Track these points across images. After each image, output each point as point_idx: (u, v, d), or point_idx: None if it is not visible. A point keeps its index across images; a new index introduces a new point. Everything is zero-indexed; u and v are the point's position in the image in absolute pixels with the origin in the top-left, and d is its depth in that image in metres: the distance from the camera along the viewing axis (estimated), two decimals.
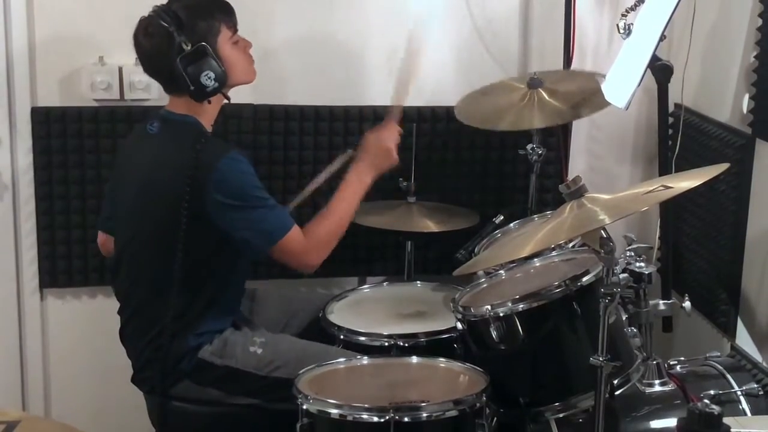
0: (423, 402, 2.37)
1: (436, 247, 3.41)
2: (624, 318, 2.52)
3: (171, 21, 2.64)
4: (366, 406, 2.36)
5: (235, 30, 2.78)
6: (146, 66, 2.74)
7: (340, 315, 2.97)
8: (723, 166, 2.33)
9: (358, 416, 2.36)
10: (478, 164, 3.47)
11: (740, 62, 2.97)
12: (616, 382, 2.37)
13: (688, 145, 3.16)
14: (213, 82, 2.67)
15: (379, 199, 3.32)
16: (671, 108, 3.04)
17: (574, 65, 3.33)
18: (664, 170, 2.92)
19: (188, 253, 2.66)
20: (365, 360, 2.64)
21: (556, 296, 2.43)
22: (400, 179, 3.31)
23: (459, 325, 2.59)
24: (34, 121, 3.23)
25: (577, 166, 3.46)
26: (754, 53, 2.88)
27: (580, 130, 3.50)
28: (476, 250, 3.03)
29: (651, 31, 2.70)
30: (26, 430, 2.08)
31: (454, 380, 2.55)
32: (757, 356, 2.88)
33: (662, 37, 2.67)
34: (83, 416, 3.38)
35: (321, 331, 2.91)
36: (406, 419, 2.33)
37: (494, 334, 2.46)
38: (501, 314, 2.46)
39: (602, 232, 2.20)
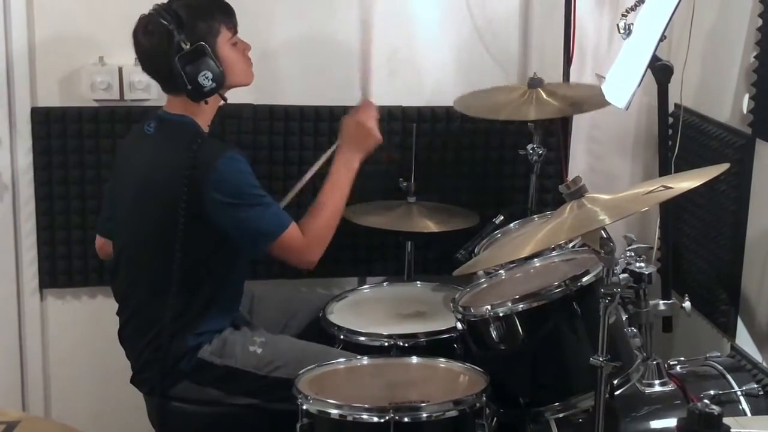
0: (423, 402, 2.37)
1: (436, 247, 3.41)
2: (624, 318, 2.52)
3: (171, 19, 2.64)
4: (366, 406, 2.36)
5: (234, 31, 2.78)
6: (145, 64, 2.75)
7: (340, 315, 2.97)
8: (723, 167, 2.33)
9: (358, 416, 2.36)
10: (478, 164, 3.48)
11: (740, 62, 2.97)
12: (616, 382, 2.37)
13: (688, 145, 3.16)
14: (210, 82, 2.67)
15: (379, 199, 3.33)
16: (671, 108, 3.04)
17: (574, 65, 3.33)
18: (664, 170, 2.92)
19: (186, 253, 2.66)
20: (365, 360, 2.64)
21: (556, 296, 2.43)
22: (400, 179, 3.31)
23: (459, 325, 2.59)
24: (34, 122, 3.23)
25: (577, 166, 3.46)
26: (754, 53, 2.88)
27: (580, 130, 3.50)
28: (476, 250, 3.03)
29: (651, 31, 2.70)
30: (26, 431, 2.08)
31: (454, 380, 2.55)
32: (757, 356, 2.88)
33: (662, 38, 2.67)
34: (83, 416, 3.38)
35: (321, 332, 2.91)
36: (406, 419, 2.33)
37: (494, 334, 2.46)
38: (501, 314, 2.46)
39: (602, 232, 2.20)
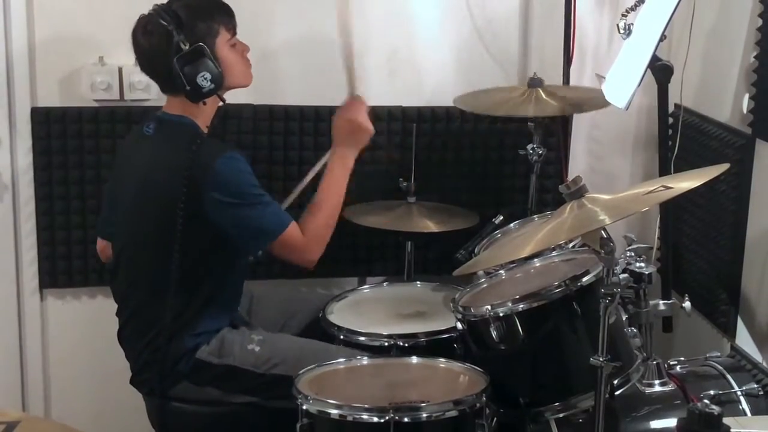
0: (423, 402, 2.37)
1: (436, 247, 3.41)
2: (624, 318, 2.52)
3: (170, 20, 2.64)
4: (366, 406, 2.36)
5: (234, 33, 2.78)
6: (143, 64, 2.75)
7: (340, 315, 2.97)
8: (723, 167, 2.33)
9: (358, 416, 2.36)
10: (478, 164, 3.48)
11: (740, 62, 2.97)
12: (616, 382, 2.37)
13: (688, 145, 3.16)
14: (209, 83, 2.67)
15: (379, 199, 3.32)
16: (671, 108, 3.04)
17: (574, 66, 3.33)
18: (664, 170, 2.92)
19: (185, 254, 2.66)
20: (365, 360, 2.64)
21: (556, 296, 2.42)
22: (400, 179, 3.31)
23: (459, 325, 2.59)
24: (34, 122, 3.23)
25: (577, 166, 3.46)
26: (754, 53, 2.88)
27: (580, 130, 3.50)
28: (476, 250, 3.03)
29: (651, 31, 2.70)
30: (26, 431, 2.08)
31: (454, 380, 2.55)
32: (757, 356, 2.88)
33: (662, 38, 2.67)
34: (83, 417, 3.38)
35: (321, 332, 2.91)
36: (406, 419, 2.33)
37: (494, 334, 2.46)
38: (501, 314, 2.46)
39: (602, 232, 2.20)
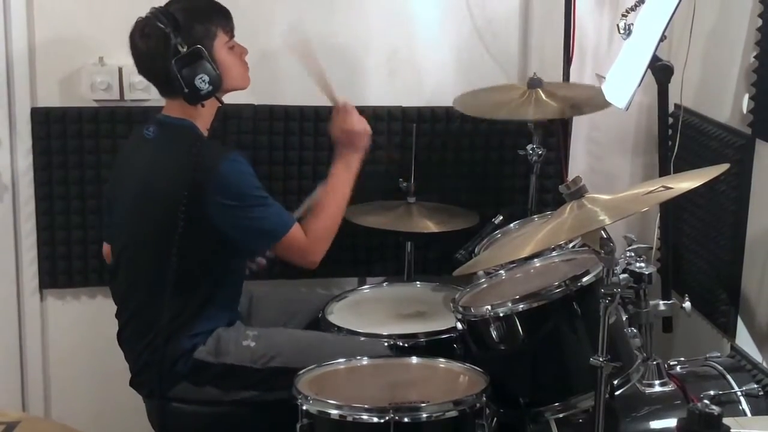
0: (423, 402, 2.37)
1: (436, 247, 3.41)
2: (624, 318, 2.52)
3: (168, 23, 2.64)
4: (366, 406, 2.36)
5: (231, 35, 2.78)
6: (141, 67, 2.74)
7: (339, 315, 2.97)
8: (723, 167, 2.33)
9: (358, 417, 2.36)
10: (478, 164, 3.47)
11: (740, 62, 2.97)
12: (616, 382, 2.37)
13: (688, 145, 3.16)
14: (207, 85, 2.67)
15: (379, 199, 3.32)
16: (671, 108, 3.04)
17: (574, 66, 3.33)
18: (664, 171, 2.92)
19: (185, 255, 2.65)
20: (365, 360, 2.64)
21: (556, 296, 2.42)
22: (400, 179, 3.31)
23: (459, 326, 2.59)
24: (34, 122, 3.23)
25: (577, 166, 3.46)
26: (754, 53, 2.88)
27: (580, 130, 3.50)
28: (476, 250, 3.03)
29: (651, 31, 2.70)
30: (26, 431, 2.08)
31: (453, 380, 2.55)
32: (757, 356, 2.88)
33: (662, 38, 2.67)
34: (83, 417, 3.38)
35: (321, 332, 2.91)
36: (406, 420, 2.33)
37: (494, 334, 2.46)
38: (501, 314, 2.46)
39: (602, 232, 2.20)
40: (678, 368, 2.77)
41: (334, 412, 2.37)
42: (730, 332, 3.01)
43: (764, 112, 2.85)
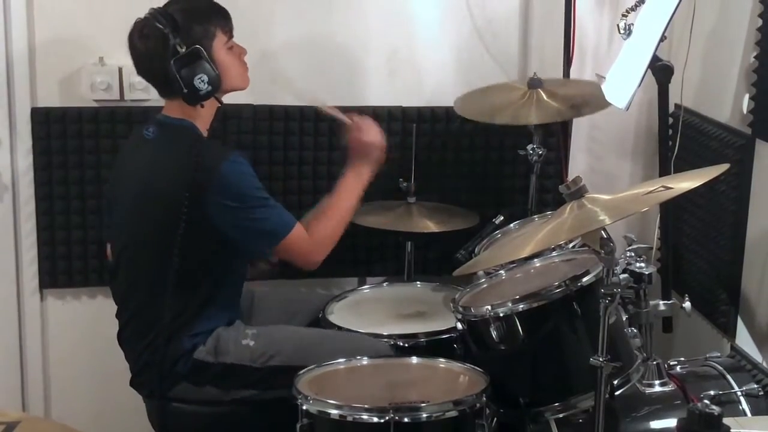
0: (423, 402, 2.37)
1: (436, 247, 3.41)
2: (624, 318, 2.52)
3: (167, 23, 2.64)
4: (366, 406, 2.36)
5: (230, 36, 2.78)
6: (140, 68, 2.74)
7: (339, 315, 2.97)
8: (723, 167, 2.33)
9: (358, 417, 2.36)
10: (478, 164, 3.47)
11: (740, 62, 2.97)
12: (616, 382, 2.37)
13: (688, 145, 3.16)
14: (206, 85, 2.66)
15: (379, 199, 3.32)
16: (671, 108, 3.04)
17: (574, 66, 3.33)
18: (664, 171, 2.92)
19: (185, 256, 2.65)
20: (365, 360, 2.64)
21: (556, 296, 2.42)
22: (400, 179, 3.31)
23: (459, 326, 2.59)
24: (34, 122, 3.23)
25: (577, 166, 3.46)
26: (754, 53, 2.88)
27: (580, 130, 3.50)
28: (476, 250, 3.03)
29: (651, 31, 2.70)
30: (26, 431, 2.08)
31: (454, 380, 2.55)
32: (757, 356, 2.88)
33: (662, 38, 2.67)
34: (83, 417, 3.38)
35: None
36: (406, 420, 2.33)
37: (494, 334, 2.46)
38: (501, 314, 2.46)
39: (602, 232, 2.20)
40: (678, 368, 2.77)
41: (334, 412, 2.37)
42: (730, 332, 3.01)
43: (764, 112, 2.85)
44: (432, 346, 2.79)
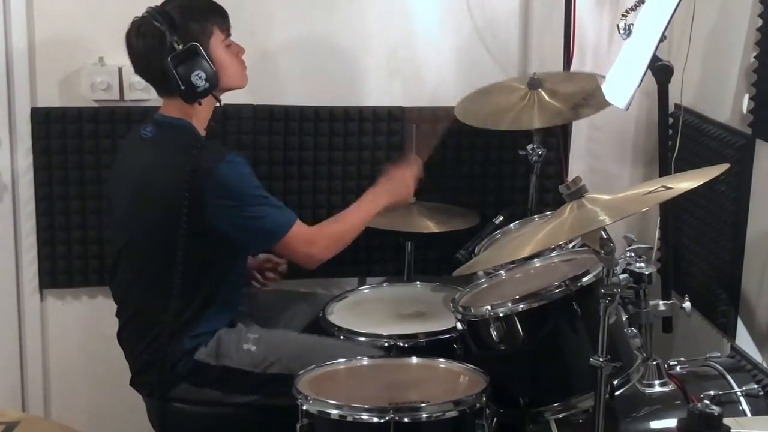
0: (423, 402, 2.37)
1: (436, 247, 3.41)
2: (624, 318, 2.52)
3: (163, 21, 2.64)
4: (366, 406, 2.36)
5: (228, 34, 2.78)
6: (138, 66, 2.74)
7: (339, 315, 2.97)
8: (723, 167, 2.33)
9: (358, 417, 2.35)
10: (478, 165, 3.47)
11: (740, 62, 2.97)
12: (616, 382, 2.37)
13: (688, 145, 3.16)
14: (204, 82, 2.66)
15: None
16: (671, 108, 3.04)
17: (574, 66, 3.33)
18: (664, 171, 2.92)
19: (185, 257, 2.65)
20: (365, 360, 2.64)
21: (556, 297, 2.42)
22: None
23: (459, 326, 2.59)
24: (34, 122, 3.23)
25: (577, 166, 3.45)
26: (754, 53, 2.88)
27: (580, 130, 3.50)
28: (476, 250, 3.03)
29: (651, 31, 2.70)
30: (26, 431, 2.08)
31: (454, 381, 2.55)
32: (757, 356, 2.88)
33: (662, 38, 2.67)
34: (83, 417, 3.38)
35: (321, 332, 2.91)
36: (406, 420, 2.33)
37: (494, 334, 2.46)
38: (501, 314, 2.46)
39: (602, 232, 2.20)
40: (678, 368, 2.77)
41: (334, 412, 2.37)
42: (730, 332, 3.00)
43: (764, 112, 2.85)
44: (432, 346, 2.79)
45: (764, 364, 2.83)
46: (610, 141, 3.56)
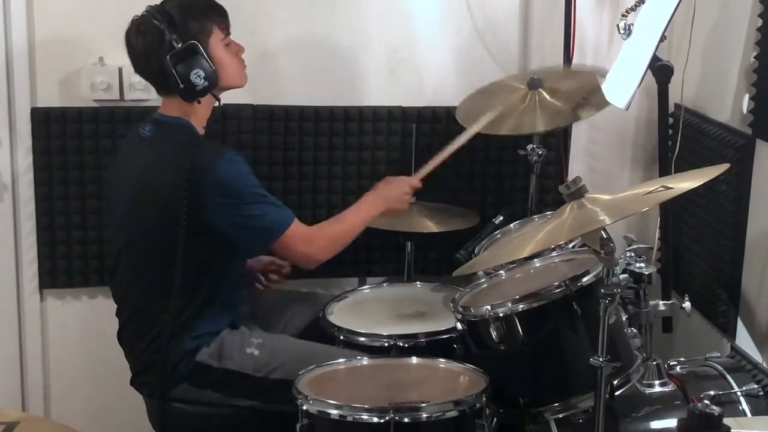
0: (423, 402, 2.37)
1: (436, 247, 3.41)
2: (624, 318, 2.52)
3: (163, 19, 2.64)
4: (366, 406, 2.36)
5: (227, 33, 2.78)
6: (137, 65, 2.74)
7: (340, 315, 2.97)
8: (723, 167, 2.33)
9: (358, 417, 2.35)
10: (478, 165, 3.47)
11: (740, 62, 2.97)
12: (615, 382, 2.37)
13: (688, 145, 3.16)
14: (203, 80, 2.66)
15: None
16: (671, 108, 3.04)
17: (574, 66, 3.32)
18: (664, 171, 2.92)
19: (185, 256, 2.65)
20: (365, 360, 2.64)
21: (556, 297, 2.42)
22: None
23: (459, 326, 2.59)
24: (34, 122, 3.23)
25: (577, 166, 3.45)
26: (754, 53, 2.88)
27: (580, 130, 3.50)
28: (476, 250, 3.03)
29: (651, 31, 2.70)
30: (26, 431, 2.08)
31: (454, 381, 2.55)
32: (757, 356, 2.88)
33: (662, 38, 2.67)
34: (83, 417, 3.38)
35: (321, 332, 2.91)
36: (406, 420, 2.33)
37: (494, 334, 2.46)
38: (501, 314, 2.46)
39: (602, 232, 2.20)
40: (678, 368, 2.77)
41: (334, 412, 2.37)
42: (730, 332, 3.01)
43: (764, 112, 2.85)
44: (432, 346, 2.79)
45: (764, 364, 2.83)
46: (610, 141, 3.56)
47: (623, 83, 2.77)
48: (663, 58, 2.82)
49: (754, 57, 2.88)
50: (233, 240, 2.70)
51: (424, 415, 2.35)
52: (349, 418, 2.36)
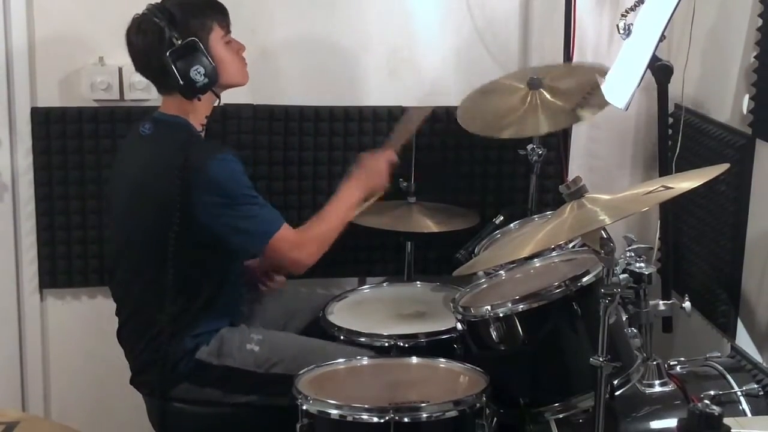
0: (423, 402, 2.37)
1: (436, 247, 3.41)
2: (624, 318, 2.52)
3: (163, 17, 2.65)
4: (366, 406, 2.36)
5: (228, 30, 2.78)
6: (137, 63, 2.75)
7: (340, 315, 2.97)
8: (723, 167, 2.33)
9: (358, 416, 2.35)
10: (478, 165, 3.47)
11: (740, 62, 2.97)
12: (616, 382, 2.37)
13: (688, 145, 3.16)
14: (203, 77, 2.66)
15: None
16: (671, 108, 3.04)
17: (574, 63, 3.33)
18: (664, 170, 2.92)
19: (182, 255, 2.65)
20: (365, 360, 2.64)
21: (556, 297, 2.42)
22: (400, 179, 3.30)
23: (459, 326, 2.59)
24: (34, 122, 3.23)
25: (577, 166, 3.46)
26: (754, 53, 2.88)
27: (580, 130, 3.50)
28: (476, 250, 3.03)
29: (651, 31, 2.70)
30: (26, 431, 2.08)
31: (454, 380, 2.55)
32: (757, 356, 2.88)
33: (662, 38, 2.67)
34: (83, 417, 3.38)
35: (321, 332, 2.91)
36: (406, 420, 2.33)
37: (494, 334, 2.46)
38: (501, 314, 2.46)
39: (602, 232, 2.20)
40: (678, 368, 2.77)
41: (334, 412, 2.37)
42: (730, 332, 3.00)
43: (764, 112, 2.85)
44: (432, 346, 2.79)
45: (764, 364, 2.82)
46: (610, 141, 3.56)
47: (623, 83, 2.77)
48: (663, 57, 2.81)
49: (754, 57, 2.88)
50: (224, 240, 2.70)
51: (424, 415, 2.35)
52: (349, 418, 2.36)
